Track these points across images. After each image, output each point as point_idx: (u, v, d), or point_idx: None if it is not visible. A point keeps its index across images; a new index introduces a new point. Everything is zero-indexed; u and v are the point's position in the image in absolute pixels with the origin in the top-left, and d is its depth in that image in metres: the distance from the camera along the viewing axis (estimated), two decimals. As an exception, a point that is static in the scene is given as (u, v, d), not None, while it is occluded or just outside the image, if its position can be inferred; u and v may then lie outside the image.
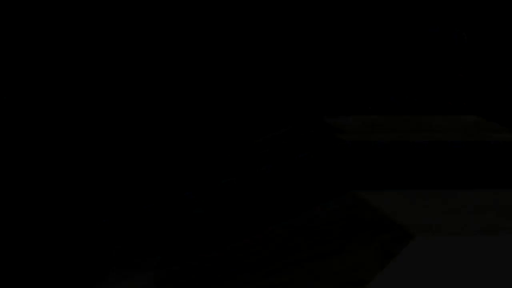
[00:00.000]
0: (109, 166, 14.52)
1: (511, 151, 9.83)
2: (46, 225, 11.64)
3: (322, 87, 16.79)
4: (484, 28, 18.29)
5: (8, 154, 14.84)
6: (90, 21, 16.38)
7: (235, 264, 8.37)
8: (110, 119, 15.25)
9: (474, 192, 9.16)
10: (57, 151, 14.56)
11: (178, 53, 16.33)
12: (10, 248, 11.01)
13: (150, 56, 16.35)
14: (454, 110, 15.41)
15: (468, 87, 16.60)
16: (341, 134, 9.99)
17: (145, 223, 9.97)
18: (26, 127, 15.02)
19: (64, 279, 9.77)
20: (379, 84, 16.17)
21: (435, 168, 9.68)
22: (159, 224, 9.75)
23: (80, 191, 13.66)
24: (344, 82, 16.19)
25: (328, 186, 9.34)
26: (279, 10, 19.22)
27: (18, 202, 14.17)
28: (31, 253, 11.15)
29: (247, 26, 18.03)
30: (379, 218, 8.15)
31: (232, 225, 9.35)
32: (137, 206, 11.20)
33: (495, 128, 11.03)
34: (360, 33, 18.74)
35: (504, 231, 7.99)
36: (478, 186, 9.40)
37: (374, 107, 15.42)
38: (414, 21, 19.24)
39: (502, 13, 17.51)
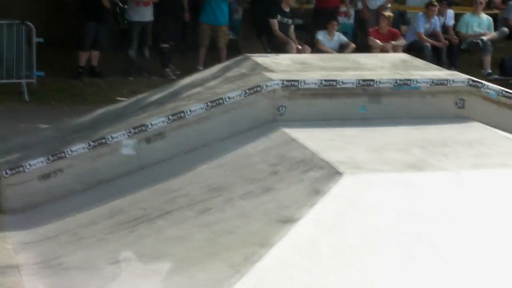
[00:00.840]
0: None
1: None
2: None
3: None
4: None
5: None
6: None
7: (168, 202, 8.46)
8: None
9: (400, 129, 9.32)
10: None
11: None
12: None
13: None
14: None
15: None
16: (271, 73, 10.04)
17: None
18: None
19: None
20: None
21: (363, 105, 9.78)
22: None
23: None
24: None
25: (260, 125, 9.39)
26: None
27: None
28: None
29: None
30: (308, 156, 8.27)
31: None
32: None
33: (422, 65, 11.19)
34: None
35: (430, 168, 8.21)
36: (404, 123, 9.52)
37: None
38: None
39: None
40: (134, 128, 9.41)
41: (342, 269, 6.84)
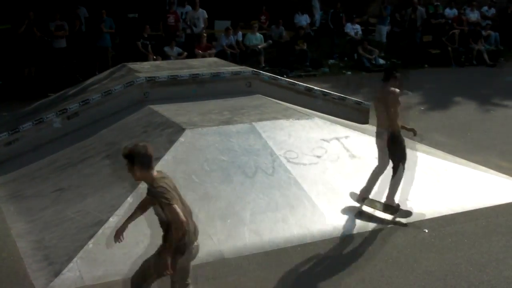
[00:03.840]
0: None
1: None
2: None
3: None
4: None
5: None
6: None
7: (83, 153, 8.24)
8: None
9: (216, 101, 9.34)
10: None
11: None
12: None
13: None
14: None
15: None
16: (139, 73, 9.90)
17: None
18: None
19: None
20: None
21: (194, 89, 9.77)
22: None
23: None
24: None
25: (135, 104, 9.26)
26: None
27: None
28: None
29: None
30: (165, 120, 8.23)
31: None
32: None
33: (226, 64, 11.25)
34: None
35: (235, 122, 8.28)
36: (218, 97, 9.57)
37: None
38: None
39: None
40: (59, 111, 9.10)
41: (189, 185, 6.89)
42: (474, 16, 19.28)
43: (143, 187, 6.69)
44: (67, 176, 7.73)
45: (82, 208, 6.71)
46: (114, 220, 6.26)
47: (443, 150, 9.30)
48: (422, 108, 12.61)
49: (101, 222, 6.26)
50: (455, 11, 19.23)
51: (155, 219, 6.38)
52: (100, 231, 6.12)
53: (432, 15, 19.04)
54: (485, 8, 19.94)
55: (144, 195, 6.64)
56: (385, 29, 18.56)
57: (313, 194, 7.05)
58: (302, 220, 6.69)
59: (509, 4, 19.79)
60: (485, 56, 17.82)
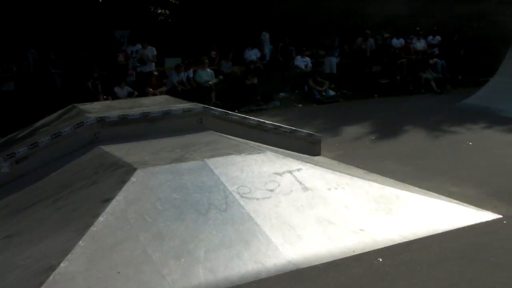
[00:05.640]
0: None
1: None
2: None
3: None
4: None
5: None
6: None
7: (34, 197, 8.08)
8: None
9: (168, 139, 9.31)
10: None
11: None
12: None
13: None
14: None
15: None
16: (89, 113, 9.83)
17: None
18: None
19: None
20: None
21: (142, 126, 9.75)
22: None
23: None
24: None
25: (85, 145, 9.17)
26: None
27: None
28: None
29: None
30: (116, 160, 8.15)
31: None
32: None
33: (177, 101, 11.27)
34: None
35: (187, 160, 8.25)
36: (170, 135, 9.55)
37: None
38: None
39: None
40: (7, 155, 8.94)
41: (141, 225, 6.85)
42: (420, 45, 19.84)
43: (94, 229, 6.68)
44: (17, 221, 7.52)
45: (32, 254, 6.55)
46: (65, 265, 6.14)
47: (394, 178, 9.43)
48: (373, 138, 12.85)
49: (52, 268, 6.13)
50: (402, 40, 19.78)
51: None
52: (51, 277, 6.00)
53: (381, 46, 19.54)
54: (430, 37, 20.55)
55: (96, 238, 6.67)
56: (334, 60, 18.95)
57: (267, 228, 7.07)
58: (256, 255, 6.68)
59: (454, 32, 20.47)
60: (433, 84, 18.33)
